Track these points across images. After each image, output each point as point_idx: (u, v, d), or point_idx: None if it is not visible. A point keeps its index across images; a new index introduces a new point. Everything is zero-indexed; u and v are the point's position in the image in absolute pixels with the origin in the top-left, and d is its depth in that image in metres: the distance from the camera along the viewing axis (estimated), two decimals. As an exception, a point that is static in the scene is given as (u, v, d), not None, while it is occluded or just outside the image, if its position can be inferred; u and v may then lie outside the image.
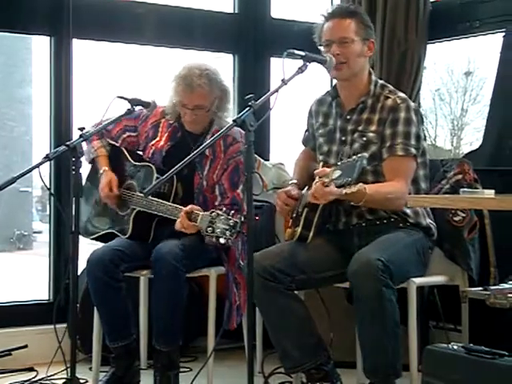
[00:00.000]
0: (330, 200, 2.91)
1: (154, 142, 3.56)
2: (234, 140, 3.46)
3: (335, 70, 3.13)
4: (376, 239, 3.01)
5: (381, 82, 3.25)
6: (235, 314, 3.46)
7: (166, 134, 3.56)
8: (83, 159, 3.48)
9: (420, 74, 4.29)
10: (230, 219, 2.94)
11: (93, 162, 3.62)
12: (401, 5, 4.26)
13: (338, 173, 2.77)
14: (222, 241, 2.98)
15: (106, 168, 3.53)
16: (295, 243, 3.13)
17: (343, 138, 3.22)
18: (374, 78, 3.23)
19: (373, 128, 3.14)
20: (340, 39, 3.11)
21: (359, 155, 2.76)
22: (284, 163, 4.45)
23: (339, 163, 2.86)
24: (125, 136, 3.63)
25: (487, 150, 4.08)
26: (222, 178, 3.45)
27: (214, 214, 2.99)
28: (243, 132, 3.37)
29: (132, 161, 3.57)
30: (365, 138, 3.14)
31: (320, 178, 2.84)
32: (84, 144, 3.51)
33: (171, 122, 3.56)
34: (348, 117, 3.22)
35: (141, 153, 3.61)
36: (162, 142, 3.54)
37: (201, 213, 3.11)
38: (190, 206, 3.19)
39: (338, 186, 2.74)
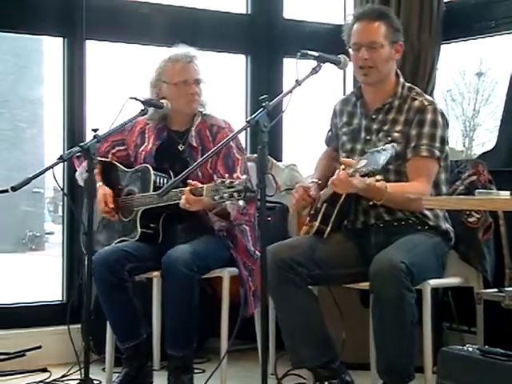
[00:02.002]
0: (348, 191, 2.90)
1: (142, 147, 3.58)
2: (219, 127, 3.50)
3: (362, 75, 3.14)
4: (395, 240, 3.01)
5: (408, 84, 3.26)
6: (251, 300, 3.45)
7: (152, 136, 3.58)
8: (80, 179, 3.56)
9: (433, 75, 4.27)
10: (234, 181, 2.90)
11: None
12: (414, 6, 4.24)
13: (363, 162, 2.77)
14: (234, 206, 2.95)
15: (100, 183, 3.54)
16: (314, 238, 3.13)
17: (368, 137, 3.22)
18: (401, 79, 3.24)
19: (398, 128, 3.14)
20: (369, 44, 3.11)
21: (388, 145, 2.75)
22: (297, 164, 4.44)
23: (366, 152, 2.85)
24: (114, 151, 3.65)
25: (501, 151, 4.06)
26: (218, 166, 3.45)
27: (218, 181, 2.95)
28: (226, 120, 3.51)
29: (125, 168, 3.58)
30: (390, 138, 3.13)
31: (344, 167, 2.83)
32: (77, 166, 3.57)
33: (155, 124, 3.58)
34: (373, 116, 3.22)
35: (132, 163, 3.62)
36: (150, 145, 3.57)
37: (204, 185, 3.10)
38: (193, 182, 3.18)
39: (363, 175, 2.74)
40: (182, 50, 3.51)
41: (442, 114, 3.16)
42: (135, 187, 3.50)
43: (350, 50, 3.16)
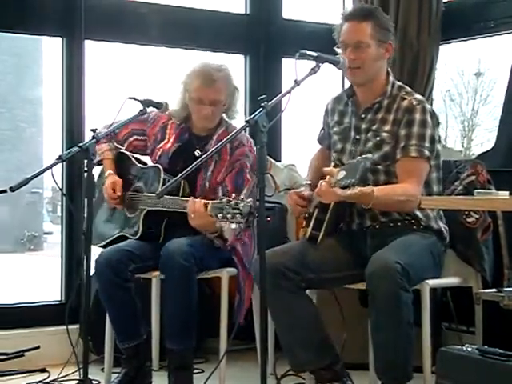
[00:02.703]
0: (333, 200, 2.92)
1: (161, 144, 3.58)
2: (240, 143, 3.47)
3: (350, 75, 3.13)
4: (390, 241, 3.00)
5: (398, 83, 3.24)
6: (243, 309, 3.46)
7: (173, 136, 3.57)
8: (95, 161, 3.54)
9: (432, 76, 4.27)
10: (240, 203, 2.91)
11: (99, 164, 3.62)
12: (413, 5, 4.24)
13: (342, 174, 2.78)
14: (233, 226, 2.96)
15: (111, 171, 3.54)
16: (306, 243, 3.12)
17: (357, 137, 3.21)
18: (391, 78, 3.22)
19: (387, 128, 3.13)
20: (355, 43, 3.10)
21: (363, 156, 2.76)
22: (295, 164, 4.45)
23: (344, 164, 2.86)
24: (131, 139, 3.64)
25: (500, 151, 4.05)
26: (226, 180, 3.46)
27: (224, 200, 2.95)
28: (250, 138, 3.45)
29: (138, 164, 3.59)
30: (378, 138, 3.13)
31: (327, 177, 2.83)
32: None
33: (178, 122, 3.57)
34: (363, 115, 3.21)
35: (147, 158, 3.64)
36: (169, 144, 3.56)
37: (210, 201, 3.10)
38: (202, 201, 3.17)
39: (342, 187, 2.74)
40: (209, 65, 3.44)
41: (432, 113, 3.14)
42: (144, 185, 3.50)
43: (339, 50, 3.15)
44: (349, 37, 3.11)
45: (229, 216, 2.89)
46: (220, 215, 2.91)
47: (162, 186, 3.35)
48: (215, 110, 3.45)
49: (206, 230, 3.29)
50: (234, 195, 2.98)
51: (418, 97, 3.17)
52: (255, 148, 3.43)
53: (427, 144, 3.08)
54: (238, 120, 3.60)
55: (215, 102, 3.43)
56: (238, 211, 2.88)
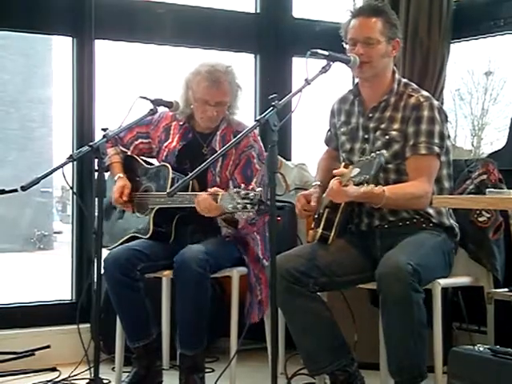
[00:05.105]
0: (345, 200, 2.90)
1: (166, 143, 3.58)
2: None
3: (358, 69, 3.12)
4: (400, 241, 2.99)
5: (404, 80, 3.23)
6: (256, 308, 3.46)
7: (177, 135, 3.57)
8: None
9: (443, 74, 4.26)
10: (250, 192, 2.90)
11: (107, 169, 3.63)
12: (424, 4, 4.23)
13: (356, 171, 2.76)
14: (243, 216, 2.95)
15: (121, 175, 3.55)
16: (317, 245, 3.11)
17: (366, 136, 3.20)
18: (397, 76, 3.21)
19: (396, 126, 3.12)
20: (365, 39, 3.08)
21: (377, 152, 2.74)
22: (306, 163, 4.44)
23: (357, 161, 2.85)
24: (137, 143, 3.65)
25: (512, 150, 4.05)
26: (235, 173, 3.45)
27: (233, 191, 2.95)
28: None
29: (145, 165, 3.60)
30: (387, 137, 3.12)
31: (338, 177, 2.82)
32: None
33: (181, 123, 3.58)
34: (370, 115, 3.20)
35: (153, 160, 3.64)
36: (174, 143, 3.56)
37: (220, 192, 3.09)
38: (214, 189, 3.17)
39: (357, 184, 2.73)
40: (217, 67, 3.42)
41: (440, 109, 3.12)
42: (153, 185, 3.50)
43: (347, 46, 3.14)
44: (358, 33, 3.10)
45: (239, 206, 2.89)
46: (230, 206, 2.91)
47: (171, 184, 3.36)
48: (220, 110, 3.44)
49: (219, 215, 3.28)
50: (243, 185, 2.97)
51: (425, 93, 3.15)
52: (259, 137, 3.46)
53: (436, 140, 3.06)
54: (244, 117, 3.60)
55: (221, 103, 3.43)
56: (247, 201, 2.88)
